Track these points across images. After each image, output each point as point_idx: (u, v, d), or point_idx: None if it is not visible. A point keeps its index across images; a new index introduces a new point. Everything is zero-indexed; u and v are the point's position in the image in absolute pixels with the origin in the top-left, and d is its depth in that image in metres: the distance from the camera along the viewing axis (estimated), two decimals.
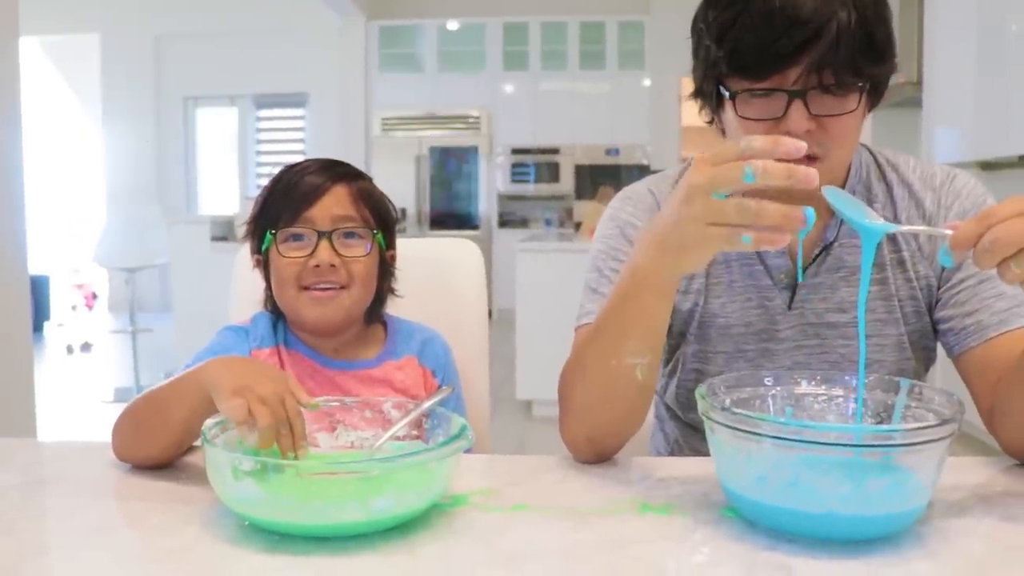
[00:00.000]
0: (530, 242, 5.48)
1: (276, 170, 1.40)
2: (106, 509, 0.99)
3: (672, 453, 1.47)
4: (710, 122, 1.30)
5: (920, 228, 0.94)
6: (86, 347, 7.42)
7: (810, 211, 0.89)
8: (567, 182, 9.64)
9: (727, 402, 0.99)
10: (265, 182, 1.41)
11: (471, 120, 9.73)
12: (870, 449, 0.85)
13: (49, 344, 7.71)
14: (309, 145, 9.94)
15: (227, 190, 10.06)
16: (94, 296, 10.05)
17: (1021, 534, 0.91)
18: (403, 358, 1.43)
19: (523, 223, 9.65)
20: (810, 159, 1.15)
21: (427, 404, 1.06)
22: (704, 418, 0.93)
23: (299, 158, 1.44)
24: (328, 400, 1.11)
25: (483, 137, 9.68)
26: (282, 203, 1.34)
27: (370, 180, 1.41)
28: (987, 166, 5.26)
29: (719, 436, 0.91)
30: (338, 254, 1.32)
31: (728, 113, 1.21)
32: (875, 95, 1.21)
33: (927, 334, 1.32)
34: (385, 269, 1.42)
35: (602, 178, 9.15)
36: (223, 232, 5.67)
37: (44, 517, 0.98)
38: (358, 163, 1.77)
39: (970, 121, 4.88)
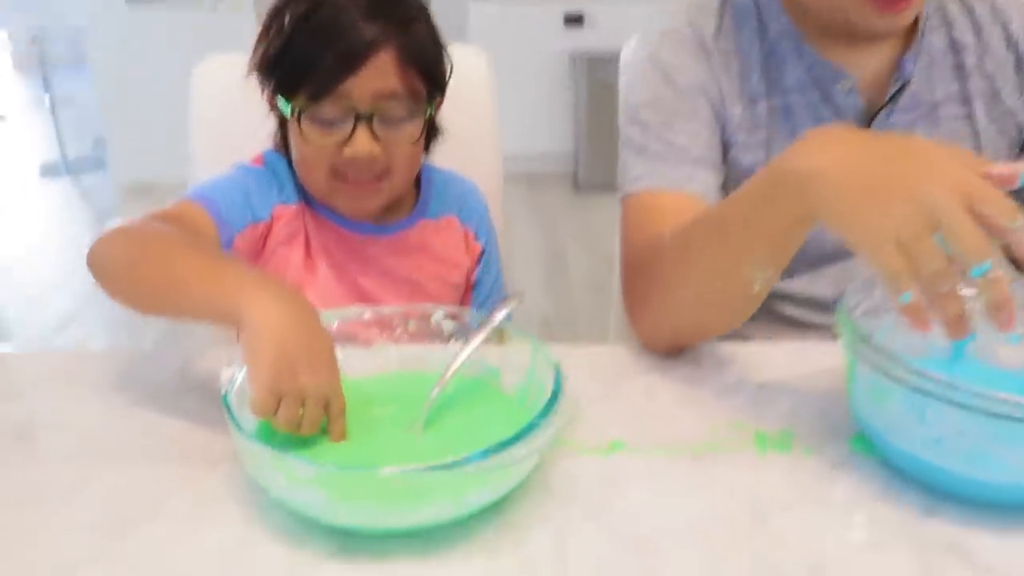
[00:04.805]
0: None
1: None
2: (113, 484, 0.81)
3: None
4: None
5: None
6: None
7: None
8: None
9: (894, 346, 0.76)
10: None
11: None
12: None
13: None
14: None
15: None
16: None
17: None
18: (442, 218, 1.21)
19: None
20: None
21: (497, 318, 0.86)
22: (854, 357, 0.76)
23: None
24: (362, 311, 0.92)
25: None
26: (308, 56, 1.03)
27: (425, 19, 1.09)
28: None
29: (887, 391, 0.74)
30: (378, 138, 1.05)
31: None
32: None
33: None
34: (432, 128, 1.16)
35: None
36: None
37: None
38: None
39: None
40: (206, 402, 0.90)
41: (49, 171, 5.14)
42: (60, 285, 3.53)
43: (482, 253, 1.25)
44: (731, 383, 0.94)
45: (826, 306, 1.17)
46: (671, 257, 0.95)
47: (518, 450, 0.67)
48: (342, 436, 0.79)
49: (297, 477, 0.67)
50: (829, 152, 0.78)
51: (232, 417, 0.72)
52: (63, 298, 3.40)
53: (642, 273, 1.01)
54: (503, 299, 0.89)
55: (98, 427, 0.87)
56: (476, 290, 1.26)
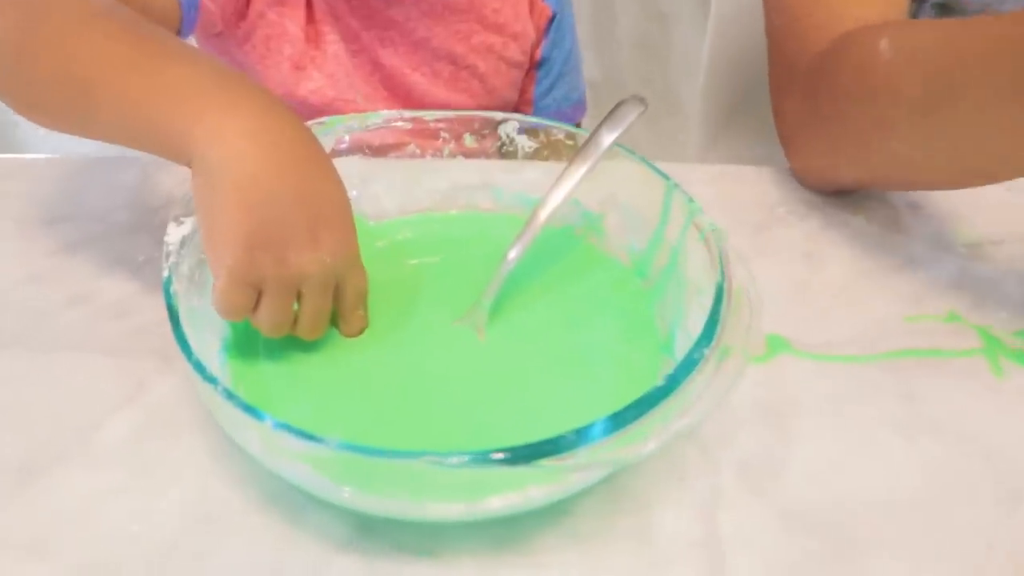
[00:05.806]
0: None
1: None
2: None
3: None
4: None
5: None
6: None
7: None
8: None
9: None
10: None
11: None
12: None
13: None
14: None
15: None
16: None
17: None
18: None
19: None
20: None
21: (609, 138, 0.54)
22: None
23: None
24: (391, 116, 0.61)
25: None
26: None
27: None
28: None
29: None
30: None
31: None
32: None
33: None
34: None
35: None
36: None
37: None
38: None
39: None
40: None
41: None
42: None
43: (552, 19, 0.92)
44: (929, 243, 0.65)
45: None
46: (902, 93, 0.57)
47: (664, 415, 0.39)
48: (360, 329, 0.52)
49: (283, 449, 0.39)
50: None
51: (177, 326, 0.43)
52: None
53: (829, 98, 0.64)
54: (619, 106, 0.57)
55: (11, 289, 0.59)
56: (542, 69, 0.94)
